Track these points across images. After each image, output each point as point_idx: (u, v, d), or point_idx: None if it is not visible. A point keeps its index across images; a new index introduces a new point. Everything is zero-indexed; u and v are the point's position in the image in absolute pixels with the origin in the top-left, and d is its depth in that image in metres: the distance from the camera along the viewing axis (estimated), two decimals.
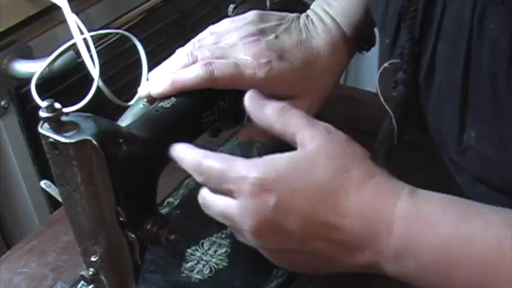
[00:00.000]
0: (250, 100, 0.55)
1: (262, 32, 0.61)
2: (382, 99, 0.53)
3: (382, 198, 0.47)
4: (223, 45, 0.61)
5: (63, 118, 0.49)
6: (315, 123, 0.52)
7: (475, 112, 0.48)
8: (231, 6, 0.72)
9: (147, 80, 0.61)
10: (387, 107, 0.53)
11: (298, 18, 0.65)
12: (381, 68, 0.53)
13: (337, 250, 0.48)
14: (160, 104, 0.57)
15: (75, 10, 0.91)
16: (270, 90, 0.61)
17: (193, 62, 0.59)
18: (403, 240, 0.46)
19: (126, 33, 0.98)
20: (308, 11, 0.66)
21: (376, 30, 0.71)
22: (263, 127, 0.53)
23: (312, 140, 0.50)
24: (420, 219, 0.46)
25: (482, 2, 0.44)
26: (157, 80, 0.58)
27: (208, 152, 0.51)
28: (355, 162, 0.50)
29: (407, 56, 0.51)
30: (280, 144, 0.65)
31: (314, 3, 0.67)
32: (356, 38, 0.66)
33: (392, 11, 0.53)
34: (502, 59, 0.44)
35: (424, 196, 0.48)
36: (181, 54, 0.61)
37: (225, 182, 0.50)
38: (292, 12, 0.66)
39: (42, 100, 0.86)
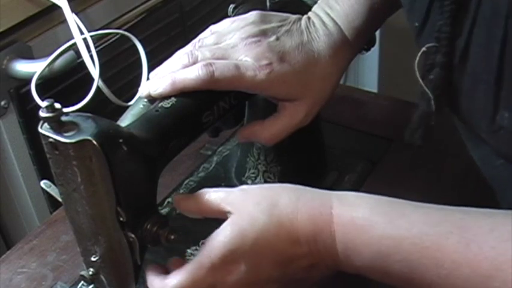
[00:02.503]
0: (175, 201, 0.58)
1: (263, 33, 0.61)
2: (421, 82, 0.54)
3: (319, 212, 0.52)
4: (224, 46, 0.61)
5: (63, 118, 0.49)
6: (228, 191, 0.56)
7: (509, 94, 0.49)
8: (231, 6, 0.72)
9: (148, 80, 0.61)
10: (427, 90, 0.54)
11: (300, 20, 0.65)
12: (420, 52, 0.54)
13: (309, 272, 0.54)
14: (160, 104, 0.57)
15: (75, 10, 0.91)
16: (270, 92, 0.61)
17: (194, 63, 0.59)
18: (344, 245, 0.52)
19: (126, 33, 0.98)
20: (310, 13, 0.66)
21: (377, 31, 0.72)
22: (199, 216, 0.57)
23: (234, 202, 0.55)
24: (353, 225, 0.51)
25: None
26: (158, 80, 0.58)
27: (164, 279, 0.54)
28: (278, 195, 0.54)
29: (446, 40, 0.52)
30: (280, 143, 0.65)
31: (316, 5, 0.67)
32: (357, 42, 0.66)
33: None
34: None
35: (352, 201, 0.53)
36: (181, 54, 0.61)
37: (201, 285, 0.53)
38: (292, 12, 0.66)
39: (42, 100, 0.86)
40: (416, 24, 0.55)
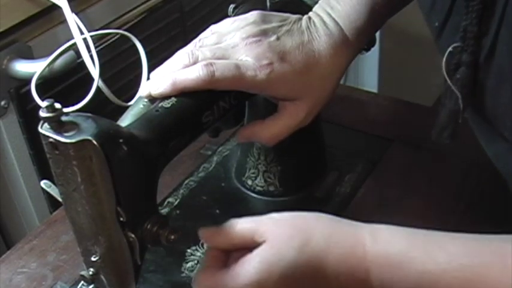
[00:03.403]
0: (203, 237, 0.57)
1: (264, 33, 0.61)
2: (449, 81, 0.55)
3: (352, 251, 0.52)
4: (225, 46, 0.61)
5: (63, 118, 0.49)
6: (258, 220, 0.55)
7: None
8: (231, 6, 0.72)
9: (148, 80, 0.61)
10: (455, 89, 0.54)
11: (300, 20, 0.65)
12: (446, 53, 0.54)
13: None
14: (160, 104, 0.57)
15: (75, 10, 0.91)
16: (271, 92, 0.61)
17: (194, 63, 0.59)
18: (380, 282, 0.51)
19: (126, 33, 0.98)
20: (310, 13, 0.66)
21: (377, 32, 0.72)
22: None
23: (267, 232, 0.53)
24: (390, 262, 0.51)
25: None
26: (158, 80, 0.58)
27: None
28: (311, 232, 0.53)
29: (473, 40, 0.52)
30: (280, 143, 0.65)
31: (317, 5, 0.67)
32: (358, 42, 0.66)
33: None
34: None
35: (386, 237, 0.52)
36: (182, 54, 0.61)
37: None
38: (292, 12, 0.66)
39: (42, 100, 0.86)
40: (437, 24, 0.55)
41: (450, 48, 0.54)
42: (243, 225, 0.55)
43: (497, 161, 0.60)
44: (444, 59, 0.55)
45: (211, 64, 0.58)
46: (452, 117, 0.56)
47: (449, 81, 0.55)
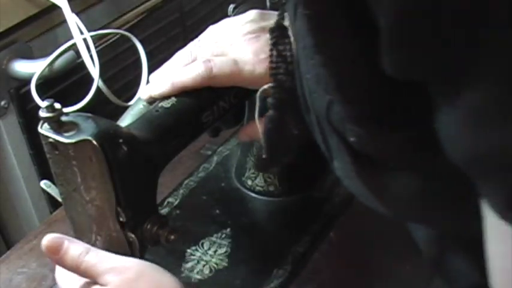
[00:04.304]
0: (47, 245, 0.53)
1: (262, 30, 0.61)
2: (258, 122, 0.54)
3: None
4: (223, 44, 0.61)
5: (63, 118, 0.49)
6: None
7: (327, 150, 0.49)
8: (231, 6, 0.72)
9: (148, 82, 0.61)
10: (261, 136, 0.53)
11: None
12: (259, 92, 0.53)
13: None
14: (160, 104, 0.57)
15: (75, 10, 0.91)
16: None
17: (193, 61, 0.59)
18: None
19: (126, 33, 0.98)
20: None
21: None
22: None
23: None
24: None
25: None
26: (158, 81, 0.58)
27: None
28: None
29: (276, 82, 0.51)
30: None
31: None
32: None
33: None
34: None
35: None
36: (181, 54, 0.61)
37: None
38: None
39: (42, 100, 0.86)
40: None
41: (265, 86, 0.53)
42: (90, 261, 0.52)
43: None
44: (257, 104, 0.54)
45: (209, 60, 0.58)
46: (260, 166, 0.55)
47: (258, 123, 0.53)
